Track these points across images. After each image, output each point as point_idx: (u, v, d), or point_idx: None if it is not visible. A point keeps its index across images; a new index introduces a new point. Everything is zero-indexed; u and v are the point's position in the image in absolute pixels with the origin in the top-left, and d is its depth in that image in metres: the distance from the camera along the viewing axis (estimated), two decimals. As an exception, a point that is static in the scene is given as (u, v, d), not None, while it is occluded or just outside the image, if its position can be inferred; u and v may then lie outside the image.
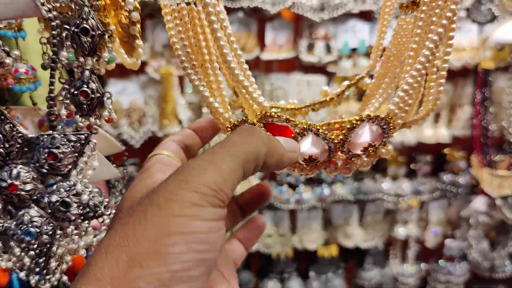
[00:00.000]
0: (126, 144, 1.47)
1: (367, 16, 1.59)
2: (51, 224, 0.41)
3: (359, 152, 0.37)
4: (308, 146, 0.37)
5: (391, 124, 0.37)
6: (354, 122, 0.36)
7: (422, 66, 0.36)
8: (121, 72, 1.52)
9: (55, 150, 0.39)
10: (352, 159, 0.38)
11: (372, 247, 1.89)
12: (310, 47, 1.54)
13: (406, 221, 1.90)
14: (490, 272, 1.89)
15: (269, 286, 1.81)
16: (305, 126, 0.37)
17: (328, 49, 1.54)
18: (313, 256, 1.87)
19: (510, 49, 1.60)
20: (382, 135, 0.37)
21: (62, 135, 0.40)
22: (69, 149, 0.40)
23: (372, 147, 0.37)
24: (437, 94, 0.40)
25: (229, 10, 1.48)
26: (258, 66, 1.59)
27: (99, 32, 0.39)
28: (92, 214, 0.42)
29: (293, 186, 1.69)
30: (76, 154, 0.40)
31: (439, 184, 1.82)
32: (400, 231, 1.89)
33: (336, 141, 0.37)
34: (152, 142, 1.51)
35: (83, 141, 0.40)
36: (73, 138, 0.40)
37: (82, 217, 0.42)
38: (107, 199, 0.43)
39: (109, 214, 0.43)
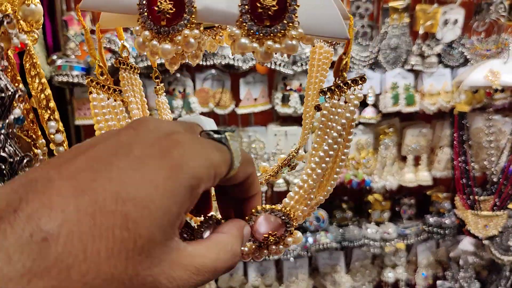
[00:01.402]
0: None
1: (339, 66, 1.61)
2: None
3: (262, 239, 0.38)
4: None
5: (290, 215, 0.38)
6: (252, 213, 0.36)
7: (320, 161, 0.38)
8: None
9: None
10: (261, 248, 0.39)
11: (362, 293, 1.86)
12: (285, 99, 1.55)
13: (394, 264, 1.87)
14: (485, 312, 1.86)
15: (259, 338, 1.77)
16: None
17: (303, 100, 1.55)
18: (302, 305, 1.84)
19: (485, 91, 1.61)
20: (283, 225, 0.38)
21: None
22: None
23: (273, 237, 0.37)
24: (331, 187, 0.41)
25: (202, 67, 1.50)
26: (235, 121, 1.60)
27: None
28: None
29: (276, 236, 1.67)
30: None
31: (425, 226, 1.81)
32: (389, 275, 1.86)
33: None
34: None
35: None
36: None
37: None
38: None
39: None
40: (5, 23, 0.35)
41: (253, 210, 0.36)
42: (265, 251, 0.39)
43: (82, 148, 0.25)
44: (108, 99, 0.40)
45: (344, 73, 0.38)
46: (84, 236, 0.21)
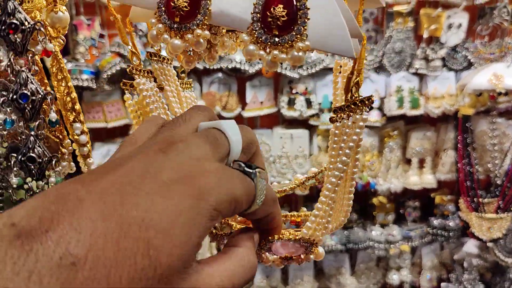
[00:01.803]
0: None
1: (344, 70, 1.63)
2: None
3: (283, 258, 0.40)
4: None
5: (310, 241, 0.39)
6: (268, 241, 0.37)
7: (332, 187, 0.38)
8: (107, 134, 1.55)
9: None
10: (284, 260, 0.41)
11: (366, 295, 1.87)
12: (291, 102, 1.57)
13: (399, 267, 1.88)
14: (489, 314, 1.87)
15: None
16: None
17: (309, 103, 1.57)
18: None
19: (488, 94, 1.63)
20: (303, 247, 0.40)
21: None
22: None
23: (290, 259, 0.40)
24: (347, 207, 0.42)
25: (209, 71, 1.52)
26: (241, 124, 1.62)
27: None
28: None
29: (282, 238, 1.68)
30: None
31: (430, 228, 1.82)
32: (394, 278, 1.87)
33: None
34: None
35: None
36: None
37: None
38: None
39: None
40: (38, 29, 0.37)
41: (270, 238, 0.37)
42: (286, 262, 0.41)
43: (112, 165, 0.26)
44: (150, 82, 0.41)
45: (356, 93, 0.38)
46: (108, 262, 0.21)
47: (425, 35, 1.62)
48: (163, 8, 0.34)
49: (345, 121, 0.38)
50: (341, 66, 0.52)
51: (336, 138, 0.39)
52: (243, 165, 0.30)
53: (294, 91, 1.57)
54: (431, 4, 1.63)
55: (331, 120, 0.40)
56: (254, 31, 0.34)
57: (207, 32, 0.35)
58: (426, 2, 1.62)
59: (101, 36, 1.40)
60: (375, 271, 1.88)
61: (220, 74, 1.53)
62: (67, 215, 0.22)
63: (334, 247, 1.68)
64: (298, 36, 0.33)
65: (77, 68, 1.35)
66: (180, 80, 0.57)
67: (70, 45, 1.44)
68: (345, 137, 0.38)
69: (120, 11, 0.42)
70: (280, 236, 0.37)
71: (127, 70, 0.42)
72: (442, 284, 1.92)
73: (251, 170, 0.30)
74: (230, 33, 0.39)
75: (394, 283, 1.88)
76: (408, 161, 1.78)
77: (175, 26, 0.34)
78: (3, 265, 0.20)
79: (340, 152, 0.38)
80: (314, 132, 1.64)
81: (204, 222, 0.25)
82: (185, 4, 0.33)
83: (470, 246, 1.82)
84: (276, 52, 0.34)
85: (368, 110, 0.39)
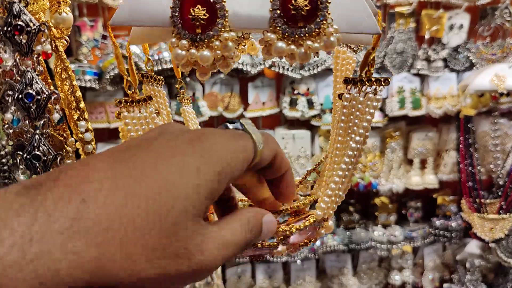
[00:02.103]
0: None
1: (346, 71, 1.64)
2: None
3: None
4: None
5: (323, 220, 0.41)
6: (285, 231, 0.38)
7: (346, 166, 0.39)
8: (110, 135, 1.56)
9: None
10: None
11: (369, 296, 1.87)
12: (293, 103, 1.57)
13: (401, 267, 1.88)
14: (492, 315, 1.87)
15: None
16: None
17: (311, 104, 1.58)
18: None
19: (490, 95, 1.63)
20: (315, 227, 0.41)
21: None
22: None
23: (305, 244, 0.41)
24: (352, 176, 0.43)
25: (211, 72, 1.53)
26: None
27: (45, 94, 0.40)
28: None
29: (284, 239, 1.69)
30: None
31: (432, 229, 1.82)
32: (396, 278, 1.87)
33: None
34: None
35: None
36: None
37: None
38: None
39: None
40: (43, 30, 0.38)
41: (286, 231, 0.38)
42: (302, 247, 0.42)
43: (114, 148, 0.27)
44: (139, 111, 0.41)
45: (372, 68, 0.38)
46: (120, 204, 0.22)
47: (427, 36, 1.62)
48: (180, 24, 0.34)
49: (355, 95, 0.38)
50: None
51: (344, 117, 0.39)
52: (227, 124, 0.32)
53: (296, 92, 1.58)
54: (433, 5, 1.63)
55: (340, 97, 0.40)
56: (278, 28, 0.33)
57: (233, 33, 0.34)
58: (428, 3, 1.62)
59: (104, 37, 1.41)
60: (377, 271, 1.88)
61: (222, 75, 1.54)
62: (75, 170, 0.23)
63: (336, 247, 1.69)
64: (324, 22, 0.33)
65: (80, 69, 1.36)
66: (180, 95, 0.57)
67: (73, 46, 1.45)
68: (357, 113, 0.37)
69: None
70: (297, 227, 0.38)
71: (121, 102, 0.40)
72: (445, 285, 1.91)
73: (236, 123, 0.31)
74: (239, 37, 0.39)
75: (396, 283, 1.88)
76: (410, 162, 1.78)
77: (198, 37, 0.34)
78: (9, 209, 0.20)
79: (355, 129, 0.38)
80: (316, 133, 1.64)
81: (212, 176, 0.26)
82: (203, 12, 0.33)
83: (473, 246, 1.82)
84: (309, 42, 0.33)
85: (382, 89, 0.38)
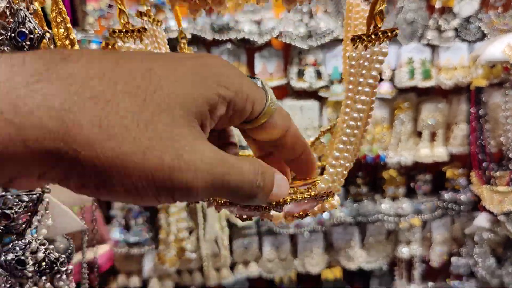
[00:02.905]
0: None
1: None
2: (9, 282, 0.43)
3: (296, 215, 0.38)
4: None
5: (328, 192, 0.37)
6: (278, 202, 0.35)
7: (351, 131, 0.36)
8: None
9: (7, 211, 0.41)
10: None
11: (376, 269, 1.87)
12: (301, 74, 1.56)
13: (409, 241, 1.88)
14: (500, 289, 1.86)
15: (274, 311, 1.81)
16: None
17: (319, 74, 1.56)
18: (317, 280, 1.86)
19: (502, 66, 1.60)
20: (317, 201, 0.37)
21: (15, 196, 0.42)
22: (22, 209, 0.42)
23: (306, 214, 0.37)
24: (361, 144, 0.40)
25: (218, 42, 1.52)
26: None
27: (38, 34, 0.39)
28: (48, 271, 0.44)
29: (291, 211, 1.69)
30: (30, 213, 0.43)
31: (440, 202, 1.81)
32: (404, 251, 1.87)
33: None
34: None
35: (36, 201, 0.43)
36: (25, 198, 0.42)
37: (38, 274, 0.44)
38: (63, 255, 0.45)
39: (66, 270, 0.45)
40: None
41: (286, 199, 0.34)
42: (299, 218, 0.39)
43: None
44: (134, 42, 0.40)
45: (381, 22, 0.35)
46: (106, 70, 0.22)
47: (438, 5, 1.59)
48: None
49: (362, 53, 0.36)
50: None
51: (352, 78, 0.36)
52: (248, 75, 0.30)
53: (303, 63, 1.56)
54: (444, -28, 1.60)
55: (349, 58, 0.37)
56: None
57: None
58: (439, -29, 1.59)
59: (110, 6, 1.41)
60: (385, 244, 1.88)
61: (229, 45, 1.53)
62: (60, 48, 0.23)
63: (343, 219, 1.69)
64: None
65: (86, 38, 1.36)
66: (179, 46, 0.55)
67: (79, 16, 1.44)
68: (363, 72, 0.35)
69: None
70: (294, 197, 0.35)
71: (108, 33, 0.39)
72: (453, 259, 1.91)
73: (255, 79, 0.30)
74: None
75: (404, 256, 1.88)
76: (419, 134, 1.76)
77: None
78: None
79: (359, 89, 0.35)
80: (324, 104, 1.63)
81: (210, 93, 0.24)
82: None
83: (481, 219, 1.81)
84: None
85: (388, 42, 0.36)
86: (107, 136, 0.20)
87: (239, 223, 1.61)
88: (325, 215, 1.68)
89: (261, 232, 1.73)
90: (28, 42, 0.38)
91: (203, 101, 0.24)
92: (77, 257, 0.98)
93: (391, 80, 1.64)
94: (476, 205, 1.80)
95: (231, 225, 1.65)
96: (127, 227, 1.56)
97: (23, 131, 0.19)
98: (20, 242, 0.43)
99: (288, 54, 1.62)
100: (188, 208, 1.57)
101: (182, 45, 0.56)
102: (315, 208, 0.39)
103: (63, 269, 0.44)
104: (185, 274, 1.67)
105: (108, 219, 1.56)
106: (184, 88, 0.23)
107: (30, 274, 0.43)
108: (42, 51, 0.21)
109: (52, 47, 0.40)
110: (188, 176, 0.23)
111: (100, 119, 0.20)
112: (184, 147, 0.23)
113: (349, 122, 0.36)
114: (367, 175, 1.81)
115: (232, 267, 1.74)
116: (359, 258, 1.82)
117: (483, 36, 1.63)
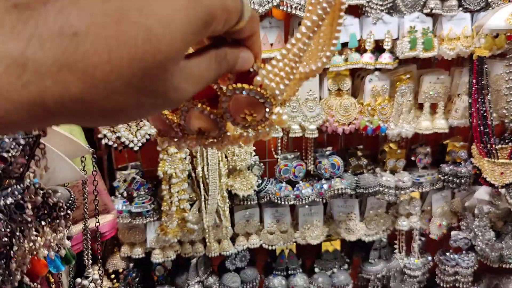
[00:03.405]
0: (125, 147, 1.49)
1: (356, 10, 1.60)
2: (9, 226, 0.44)
3: (240, 120, 0.35)
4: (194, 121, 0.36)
5: (264, 94, 0.33)
6: (223, 91, 0.34)
7: (318, 18, 0.33)
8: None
9: (5, 154, 0.41)
10: (247, 131, 0.36)
11: (376, 241, 1.89)
12: (301, 44, 1.54)
13: (409, 213, 1.89)
14: (499, 262, 1.88)
15: (275, 282, 1.82)
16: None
17: (319, 45, 1.54)
18: (317, 251, 1.88)
19: (506, 36, 1.58)
20: (261, 105, 0.34)
21: (12, 139, 0.42)
22: (19, 152, 0.42)
23: (251, 117, 0.34)
24: (330, 50, 0.38)
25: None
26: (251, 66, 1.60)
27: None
28: (47, 216, 0.44)
29: (292, 183, 1.70)
30: (27, 157, 0.43)
31: (441, 175, 1.81)
32: (404, 224, 1.88)
33: (216, 111, 0.35)
34: (151, 144, 1.53)
35: (32, 144, 0.42)
36: (22, 141, 0.42)
37: (38, 218, 0.44)
38: (61, 201, 0.45)
39: (65, 215, 0.45)
40: None
41: (222, 88, 0.33)
42: (251, 134, 0.36)
43: None
44: None
45: None
46: (109, 41, 0.22)
47: (441, -26, 1.56)
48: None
49: None
50: None
51: None
52: None
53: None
54: None
55: None
56: None
57: None
58: None
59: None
60: (385, 217, 1.89)
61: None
62: None
63: (343, 190, 1.69)
64: None
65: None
66: None
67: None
68: None
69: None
70: (229, 87, 0.33)
71: None
72: (453, 232, 1.92)
73: None
74: None
75: (404, 229, 1.89)
76: (420, 107, 1.75)
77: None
78: (1, 28, 0.20)
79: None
80: (325, 75, 1.62)
81: (199, 24, 0.26)
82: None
83: (482, 192, 1.82)
84: None
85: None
86: None
87: (241, 194, 1.61)
88: (325, 186, 1.68)
89: (261, 204, 1.74)
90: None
91: (191, 37, 0.26)
92: (79, 227, 0.98)
93: (392, 51, 1.62)
94: (476, 179, 1.80)
95: (232, 197, 1.66)
96: (130, 199, 1.56)
97: None
98: (18, 186, 0.43)
99: (289, 24, 1.60)
100: (190, 179, 1.57)
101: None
102: (266, 129, 0.36)
103: (62, 214, 0.45)
104: (187, 245, 1.68)
105: (112, 191, 1.57)
106: (177, 30, 0.25)
107: (29, 219, 0.43)
108: None
109: None
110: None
111: None
112: (169, 91, 0.27)
113: (312, 17, 0.33)
114: (368, 148, 1.81)
115: (233, 239, 1.75)
116: (359, 230, 1.83)
117: (487, 5, 1.60)
